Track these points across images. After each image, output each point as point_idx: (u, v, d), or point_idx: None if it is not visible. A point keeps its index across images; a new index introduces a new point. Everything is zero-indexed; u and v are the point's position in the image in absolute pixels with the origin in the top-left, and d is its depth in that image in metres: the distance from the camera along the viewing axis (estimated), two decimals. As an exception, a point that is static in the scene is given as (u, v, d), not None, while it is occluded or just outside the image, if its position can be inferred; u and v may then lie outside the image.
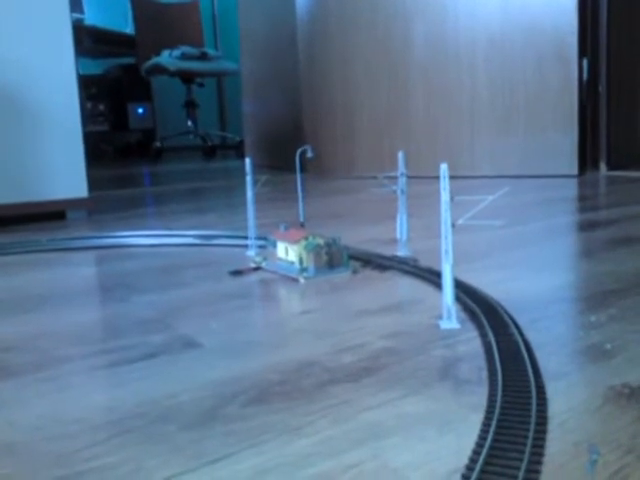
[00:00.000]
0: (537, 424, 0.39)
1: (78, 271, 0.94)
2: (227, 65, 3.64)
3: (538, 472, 0.34)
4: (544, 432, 0.39)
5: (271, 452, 0.38)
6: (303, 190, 0.94)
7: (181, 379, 0.50)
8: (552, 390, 0.45)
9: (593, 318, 0.61)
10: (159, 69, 3.48)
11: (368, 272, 0.84)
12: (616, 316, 0.61)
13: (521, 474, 0.33)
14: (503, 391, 0.44)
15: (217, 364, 0.53)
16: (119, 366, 0.54)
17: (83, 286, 0.86)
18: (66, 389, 0.49)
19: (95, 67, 4.00)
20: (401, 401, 0.45)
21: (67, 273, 0.93)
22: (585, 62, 1.95)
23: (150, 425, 0.42)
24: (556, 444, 0.38)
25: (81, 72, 3.55)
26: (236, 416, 0.43)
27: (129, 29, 3.92)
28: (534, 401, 0.42)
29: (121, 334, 0.62)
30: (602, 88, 2.03)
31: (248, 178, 0.95)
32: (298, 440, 0.40)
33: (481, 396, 0.44)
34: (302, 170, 0.92)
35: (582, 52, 1.91)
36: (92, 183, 1.56)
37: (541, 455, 0.36)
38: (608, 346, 0.53)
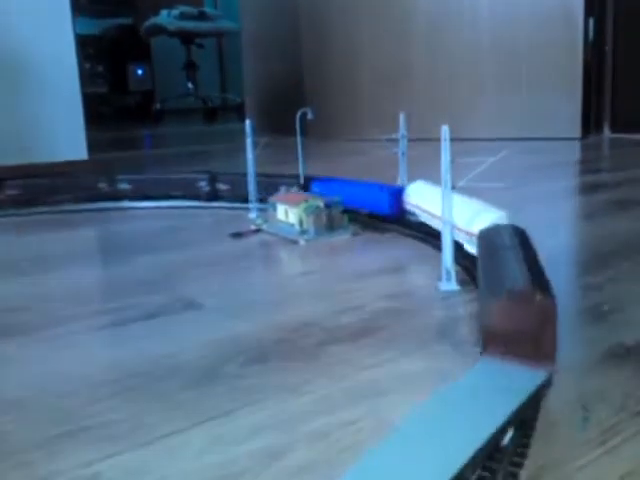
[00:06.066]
0: (532, 383, 0.39)
1: (78, 233, 0.95)
2: (227, 24, 3.58)
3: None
4: (539, 390, 0.39)
5: (270, 409, 0.39)
6: (303, 153, 0.94)
7: (181, 339, 0.51)
8: (548, 350, 0.45)
9: (591, 280, 0.61)
10: (158, 29, 3.42)
11: (368, 234, 0.84)
12: (614, 278, 0.61)
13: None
14: (500, 351, 0.44)
15: (217, 324, 0.54)
16: (120, 326, 0.54)
17: (84, 248, 0.86)
18: (68, 348, 0.50)
19: (92, 27, 3.93)
20: (399, 360, 0.45)
21: (68, 235, 0.93)
22: (591, 21, 1.91)
23: (151, 383, 0.43)
24: (549, 403, 0.38)
25: (78, 32, 3.49)
26: (235, 375, 0.44)
27: (127, -13, 3.84)
28: (530, 360, 0.42)
29: (122, 295, 0.63)
30: (608, 48, 2.00)
31: (248, 140, 0.94)
32: (296, 398, 0.40)
33: (478, 356, 0.45)
34: (303, 133, 0.91)
35: (588, 11, 1.87)
36: (92, 145, 1.55)
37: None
38: (605, 307, 0.54)
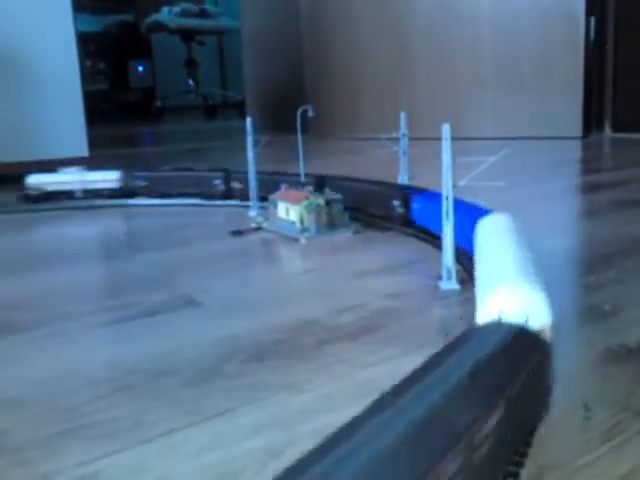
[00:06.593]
0: (533, 382, 0.39)
1: (80, 230, 0.94)
2: (228, 22, 3.58)
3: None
4: (540, 390, 0.39)
5: (270, 408, 0.39)
6: (304, 151, 0.93)
7: (181, 337, 0.51)
8: (549, 349, 0.45)
9: (593, 279, 0.61)
10: (159, 26, 3.42)
11: (369, 232, 0.84)
12: (616, 278, 0.61)
13: (516, 430, 0.33)
14: (500, 350, 0.44)
15: (217, 322, 0.54)
16: (120, 323, 0.54)
17: (85, 245, 0.86)
18: (69, 345, 0.50)
19: (93, 24, 3.93)
20: (399, 359, 0.45)
21: (70, 232, 0.93)
22: (592, 20, 1.91)
23: (151, 381, 0.43)
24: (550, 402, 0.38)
25: (79, 29, 3.48)
26: (235, 373, 0.44)
27: (128, -16, 3.84)
28: (531, 360, 0.42)
29: (122, 292, 0.63)
30: (609, 47, 1.99)
31: (249, 138, 0.94)
32: (296, 396, 0.40)
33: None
34: (304, 131, 0.91)
35: (589, 10, 1.87)
36: (92, 142, 1.55)
37: (536, 412, 0.36)
38: (607, 307, 0.54)
